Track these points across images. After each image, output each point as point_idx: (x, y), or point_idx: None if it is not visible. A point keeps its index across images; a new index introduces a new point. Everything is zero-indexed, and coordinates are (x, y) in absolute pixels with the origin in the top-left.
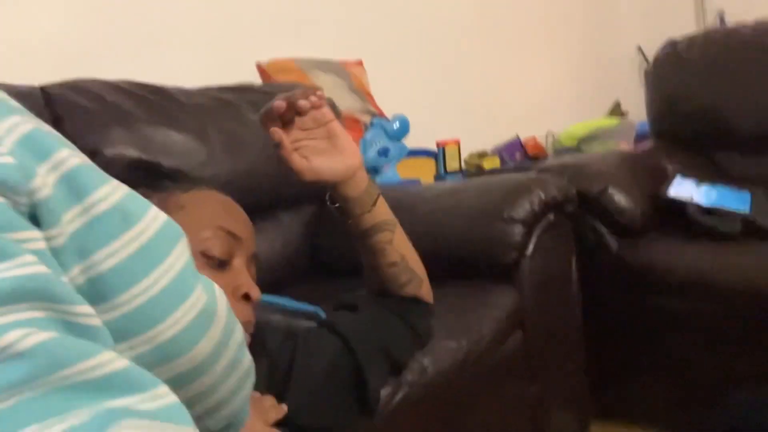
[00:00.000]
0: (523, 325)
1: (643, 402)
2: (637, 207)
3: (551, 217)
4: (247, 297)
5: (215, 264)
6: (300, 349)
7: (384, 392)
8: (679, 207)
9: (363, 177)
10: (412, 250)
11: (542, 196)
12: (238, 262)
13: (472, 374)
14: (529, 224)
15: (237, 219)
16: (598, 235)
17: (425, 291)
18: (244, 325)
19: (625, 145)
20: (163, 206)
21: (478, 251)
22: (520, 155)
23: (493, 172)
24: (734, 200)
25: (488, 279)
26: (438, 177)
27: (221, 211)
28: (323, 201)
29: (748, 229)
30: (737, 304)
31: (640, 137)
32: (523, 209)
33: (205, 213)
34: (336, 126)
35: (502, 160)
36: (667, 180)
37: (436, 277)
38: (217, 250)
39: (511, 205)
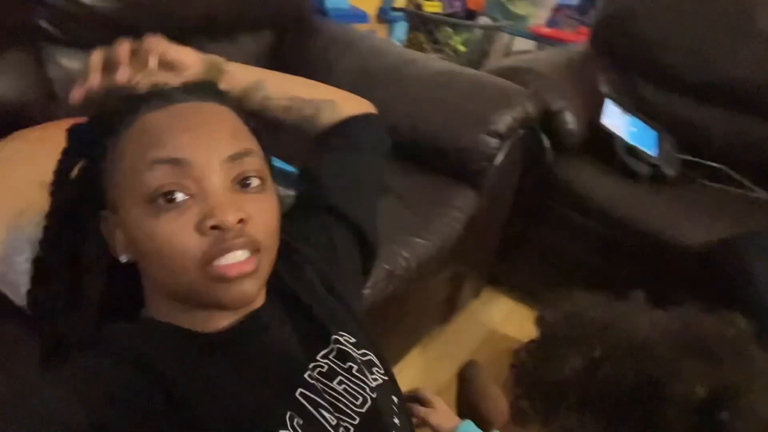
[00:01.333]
0: (474, 224)
1: (528, 280)
2: (580, 130)
3: (521, 131)
4: (216, 227)
5: (166, 201)
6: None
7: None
8: (608, 136)
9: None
10: (304, 84)
11: (524, 111)
12: (199, 187)
13: (436, 264)
14: (505, 137)
15: (177, 139)
16: (542, 149)
17: (346, 109)
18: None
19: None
20: (109, 165)
21: (454, 152)
22: (460, 5)
23: (434, 17)
24: (648, 141)
25: (455, 179)
26: (382, 11)
27: (153, 140)
28: (285, 29)
29: (655, 173)
30: (627, 235)
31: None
32: (504, 123)
33: (144, 151)
34: (169, 50)
35: (444, 6)
36: (601, 103)
37: (407, 159)
38: (154, 184)
39: (495, 117)
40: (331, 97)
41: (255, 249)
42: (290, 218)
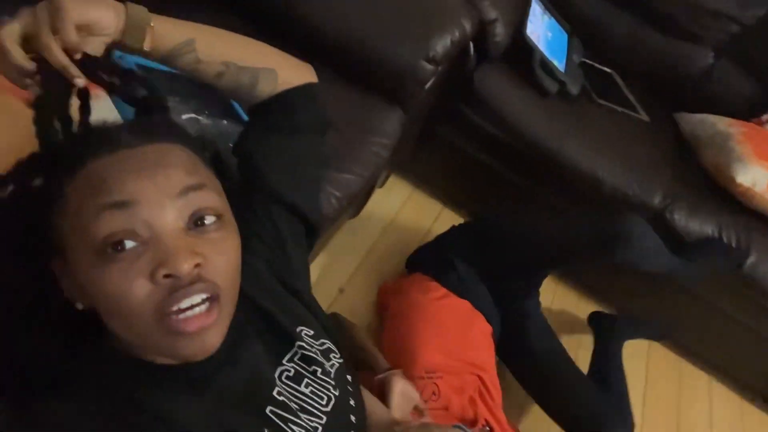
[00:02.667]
0: (398, 143)
1: (431, 172)
2: (505, 42)
3: (454, 53)
4: (169, 276)
5: (116, 250)
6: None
7: None
8: (528, 48)
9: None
10: (245, 44)
11: (463, 33)
12: (150, 231)
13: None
14: (442, 62)
15: (124, 182)
16: (467, 57)
17: (287, 78)
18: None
19: None
20: (58, 214)
21: (387, 74)
22: None
23: None
24: (560, 49)
25: (383, 99)
26: None
27: (99, 187)
28: None
29: (561, 90)
30: (529, 149)
31: None
32: (443, 48)
33: (90, 201)
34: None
35: None
36: (526, 8)
37: (336, 68)
38: (102, 234)
39: (435, 41)
40: (271, 64)
41: (214, 293)
42: (236, 212)
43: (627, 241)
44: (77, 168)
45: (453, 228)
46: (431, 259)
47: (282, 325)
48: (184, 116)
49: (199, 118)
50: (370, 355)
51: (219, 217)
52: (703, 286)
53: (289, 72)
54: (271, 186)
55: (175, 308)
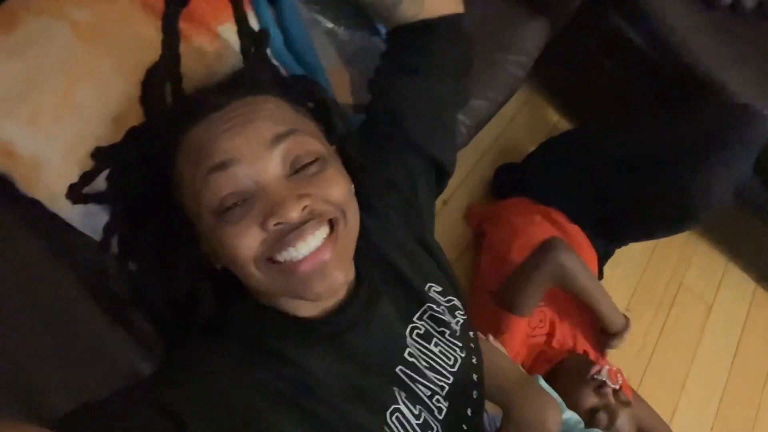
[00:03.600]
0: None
1: (554, 77)
2: None
3: None
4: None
5: (228, 209)
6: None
7: None
8: None
9: None
10: None
11: None
12: (255, 183)
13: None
14: None
15: (219, 144)
16: None
17: (434, 3)
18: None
19: None
20: (176, 188)
21: None
22: None
23: None
24: None
25: (525, 5)
26: None
27: (199, 155)
28: None
29: (734, 3)
30: (682, 72)
31: None
32: None
33: (190, 175)
34: None
35: None
36: None
37: None
38: (215, 198)
39: None
40: None
41: (329, 222)
42: (370, 159)
43: None
44: (177, 145)
45: (548, 142)
46: (527, 180)
47: (413, 284)
48: (325, 26)
49: (338, 31)
50: None
51: (317, 159)
52: None
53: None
54: (409, 135)
55: (289, 251)
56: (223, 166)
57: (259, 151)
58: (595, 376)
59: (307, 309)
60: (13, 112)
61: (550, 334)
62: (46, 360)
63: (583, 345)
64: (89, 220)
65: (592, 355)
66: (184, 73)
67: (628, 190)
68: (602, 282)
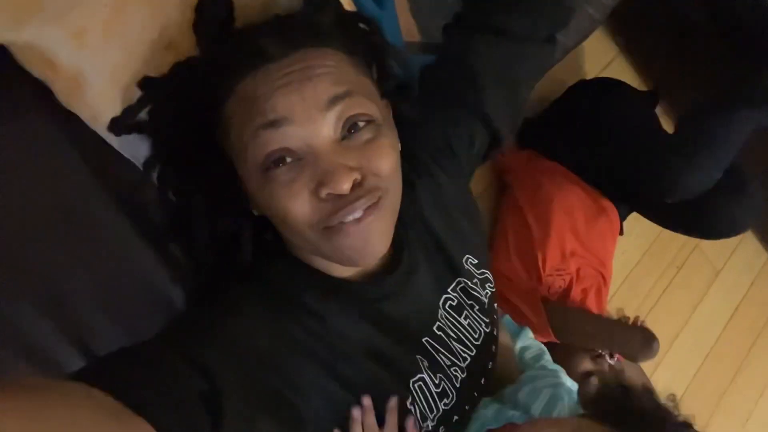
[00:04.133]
0: None
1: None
2: None
3: None
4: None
5: (277, 167)
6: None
7: None
8: None
9: None
10: None
11: None
12: (306, 145)
13: None
14: None
15: (272, 100)
16: None
17: None
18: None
19: None
20: (221, 134)
21: None
22: None
23: None
24: None
25: None
26: None
27: (251, 109)
28: None
29: None
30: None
31: None
32: None
33: (239, 127)
34: None
35: None
36: None
37: None
38: (262, 154)
39: None
40: None
41: (376, 199)
42: (434, 113)
43: None
44: (229, 91)
45: (575, 88)
46: (552, 134)
47: (452, 255)
48: None
49: None
50: None
51: (372, 121)
52: None
53: None
54: (484, 105)
55: (337, 222)
56: (275, 124)
57: (314, 112)
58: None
59: (345, 270)
60: (61, 21)
61: (564, 296)
62: (77, 273)
63: (589, 307)
64: (129, 146)
65: (599, 308)
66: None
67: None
68: (621, 237)
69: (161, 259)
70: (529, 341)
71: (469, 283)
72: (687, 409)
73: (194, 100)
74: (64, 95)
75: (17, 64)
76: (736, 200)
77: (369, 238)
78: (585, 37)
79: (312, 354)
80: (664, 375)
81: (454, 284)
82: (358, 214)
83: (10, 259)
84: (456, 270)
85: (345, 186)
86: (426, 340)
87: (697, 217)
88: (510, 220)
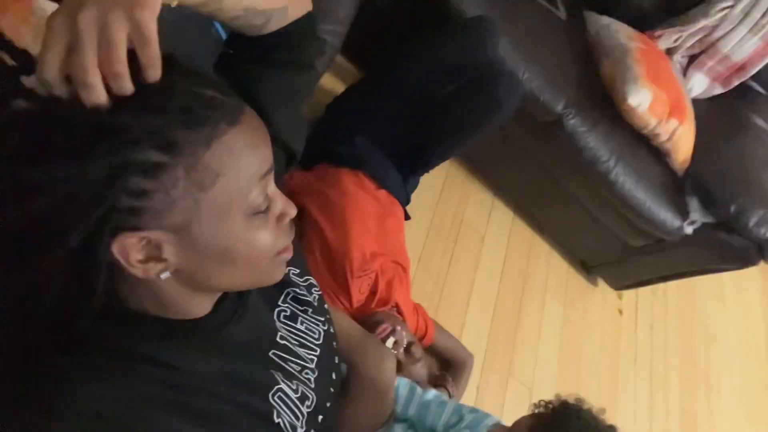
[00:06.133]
0: None
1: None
2: None
3: None
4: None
5: (262, 213)
6: None
7: None
8: None
9: None
10: None
11: None
12: (271, 188)
13: None
14: None
15: (261, 150)
16: None
17: (293, 12)
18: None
19: None
20: (186, 185)
21: None
22: None
23: None
24: None
25: None
26: None
27: (252, 158)
28: None
29: None
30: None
31: None
32: None
33: (242, 173)
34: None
35: None
36: None
37: None
38: (262, 200)
39: None
40: (285, 2)
41: None
42: None
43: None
44: (213, 138)
45: (335, 101)
46: (328, 143)
47: None
48: None
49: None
50: None
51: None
52: (572, 184)
53: (294, 5)
54: (273, 131)
55: (286, 243)
56: (267, 173)
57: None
58: (382, 338)
59: (194, 311)
60: None
61: (373, 293)
62: None
63: (395, 297)
64: None
65: (402, 304)
66: None
67: (435, 110)
68: (408, 223)
69: None
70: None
71: (297, 290)
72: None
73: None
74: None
75: None
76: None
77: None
78: (331, 59)
79: (168, 404)
80: (469, 333)
81: (282, 296)
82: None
83: None
84: (281, 283)
85: (294, 210)
86: (273, 353)
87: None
88: (312, 236)
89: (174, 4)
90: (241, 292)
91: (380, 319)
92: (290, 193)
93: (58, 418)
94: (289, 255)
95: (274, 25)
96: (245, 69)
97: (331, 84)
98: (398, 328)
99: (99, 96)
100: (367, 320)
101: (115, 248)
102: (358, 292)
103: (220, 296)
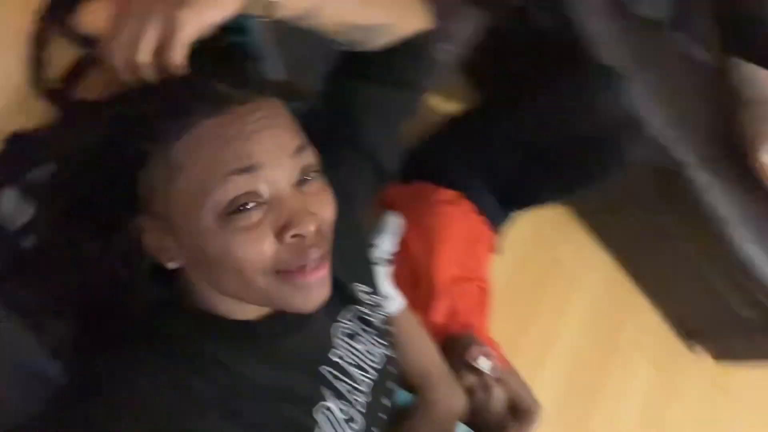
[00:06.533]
0: None
1: None
2: None
3: None
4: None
5: (239, 212)
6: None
7: None
8: None
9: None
10: (364, 2)
11: None
12: (272, 191)
13: None
14: None
15: (248, 145)
16: None
17: (402, 28)
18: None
19: None
20: (160, 175)
21: None
22: None
23: None
24: None
25: None
26: None
27: (225, 150)
28: None
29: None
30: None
31: None
32: None
33: (209, 166)
34: None
35: None
36: None
37: None
38: (235, 198)
39: None
40: (391, 18)
41: (326, 248)
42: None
43: None
44: (186, 128)
45: (449, 122)
46: (433, 162)
47: (341, 283)
48: None
49: None
50: None
51: (317, 171)
52: (685, 240)
53: (405, 22)
54: (364, 146)
55: (297, 265)
56: (250, 169)
57: (285, 158)
58: (471, 362)
59: (247, 313)
60: None
61: (454, 315)
62: None
63: (474, 322)
64: None
65: (479, 332)
66: None
67: (552, 154)
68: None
69: (30, 327)
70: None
71: (362, 309)
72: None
73: (112, 147)
74: None
75: None
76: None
77: (322, 285)
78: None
79: (219, 406)
80: (541, 381)
81: (346, 312)
82: (316, 256)
83: None
84: (347, 298)
85: (311, 227)
86: (325, 369)
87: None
88: (398, 250)
89: (272, 17)
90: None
91: (471, 342)
92: (386, 207)
93: (117, 410)
94: (313, 279)
95: (378, 41)
96: (342, 79)
97: (443, 104)
98: (490, 352)
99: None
100: (455, 342)
101: (132, 230)
102: (439, 314)
103: None
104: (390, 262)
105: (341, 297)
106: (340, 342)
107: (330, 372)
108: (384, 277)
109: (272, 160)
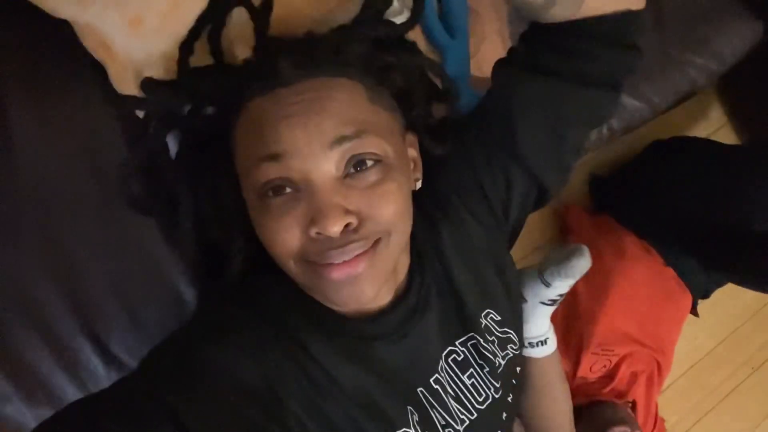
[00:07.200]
0: None
1: None
2: None
3: None
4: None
5: (275, 195)
6: None
7: None
8: None
9: None
10: None
11: None
12: (305, 179)
13: None
14: None
15: (276, 132)
16: None
17: (593, 5)
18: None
19: None
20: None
21: None
22: None
23: None
24: None
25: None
26: None
27: (257, 136)
28: None
29: None
30: None
31: None
32: None
33: (244, 150)
34: None
35: None
36: None
37: None
38: (261, 180)
39: None
40: None
41: (370, 245)
42: (471, 150)
43: None
44: (240, 107)
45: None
46: (630, 201)
47: (467, 305)
48: None
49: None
50: None
51: (381, 161)
52: None
53: None
54: (521, 152)
55: (324, 261)
56: (276, 157)
57: (317, 148)
58: None
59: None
60: (121, 6)
61: (609, 377)
62: (97, 252)
63: (636, 393)
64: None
65: (641, 406)
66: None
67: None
68: (694, 320)
69: (176, 254)
70: None
71: (483, 341)
72: None
73: (219, 106)
74: (115, 79)
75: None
76: None
77: (356, 283)
78: (682, 99)
79: (300, 392)
80: None
81: (464, 338)
82: (347, 256)
83: (42, 230)
84: (470, 323)
85: (335, 229)
86: (420, 391)
87: None
88: None
89: None
90: (415, 309)
91: (617, 418)
92: (564, 230)
93: (201, 411)
94: (336, 276)
95: (561, 12)
96: (508, 70)
97: (685, 122)
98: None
99: None
100: (599, 410)
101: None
102: (588, 369)
103: (388, 306)
104: (557, 302)
105: (462, 320)
106: (447, 368)
107: (426, 397)
108: (545, 315)
109: (300, 149)
